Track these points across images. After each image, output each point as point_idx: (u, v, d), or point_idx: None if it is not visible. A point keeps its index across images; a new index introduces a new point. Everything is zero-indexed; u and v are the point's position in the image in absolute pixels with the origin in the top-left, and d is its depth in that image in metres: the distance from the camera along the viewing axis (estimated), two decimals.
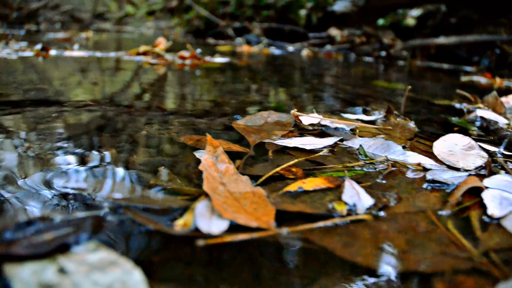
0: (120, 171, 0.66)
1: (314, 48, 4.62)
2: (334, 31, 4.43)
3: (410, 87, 1.23)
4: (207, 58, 2.60)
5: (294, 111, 0.97)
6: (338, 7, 4.58)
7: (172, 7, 9.63)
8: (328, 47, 4.61)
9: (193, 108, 1.22)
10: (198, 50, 2.58)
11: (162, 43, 2.58)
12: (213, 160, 0.61)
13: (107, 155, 0.73)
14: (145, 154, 0.76)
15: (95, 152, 0.74)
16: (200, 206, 0.49)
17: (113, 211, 0.50)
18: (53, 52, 2.71)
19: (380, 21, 5.17)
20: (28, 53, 2.58)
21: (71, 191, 0.56)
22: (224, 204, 0.50)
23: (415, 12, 5.23)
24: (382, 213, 0.56)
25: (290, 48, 4.73)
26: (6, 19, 7.42)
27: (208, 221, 0.47)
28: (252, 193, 0.55)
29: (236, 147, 0.77)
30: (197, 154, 0.70)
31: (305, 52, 4.21)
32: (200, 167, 0.57)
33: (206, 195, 0.52)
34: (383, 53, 4.43)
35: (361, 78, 2.49)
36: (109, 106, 1.16)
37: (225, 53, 3.44)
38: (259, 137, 0.86)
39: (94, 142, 0.82)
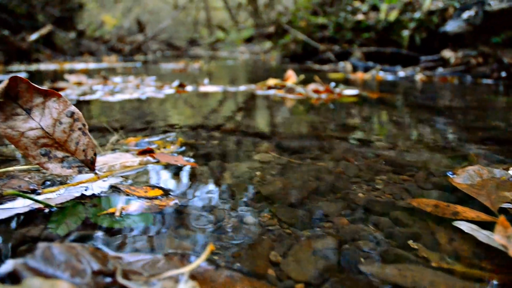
0: (373, 247, 0.67)
1: (426, 72, 4.46)
2: (448, 53, 4.25)
3: None
4: (337, 90, 2.61)
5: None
6: (451, 27, 4.38)
7: (269, 33, 9.92)
8: (440, 69, 4.42)
9: (382, 160, 1.23)
10: (332, 84, 2.61)
11: (292, 77, 2.65)
12: (505, 241, 0.61)
13: (339, 225, 0.74)
14: (383, 224, 0.75)
15: (327, 223, 0.76)
16: None
17: None
18: (189, 88, 2.92)
19: (495, 39, 4.86)
20: (169, 90, 2.80)
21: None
22: None
23: None
24: None
25: (401, 72, 4.61)
26: (121, 52, 8.27)
27: None
28: None
29: (484, 216, 0.76)
30: (464, 227, 0.70)
31: (418, 77, 4.07)
32: (511, 253, 0.58)
33: None
34: (504, 74, 4.15)
35: (503, 109, 2.35)
36: (295, 159, 1.21)
37: (339, 81, 3.45)
38: (493, 200, 0.84)
39: (317, 209, 0.85)
